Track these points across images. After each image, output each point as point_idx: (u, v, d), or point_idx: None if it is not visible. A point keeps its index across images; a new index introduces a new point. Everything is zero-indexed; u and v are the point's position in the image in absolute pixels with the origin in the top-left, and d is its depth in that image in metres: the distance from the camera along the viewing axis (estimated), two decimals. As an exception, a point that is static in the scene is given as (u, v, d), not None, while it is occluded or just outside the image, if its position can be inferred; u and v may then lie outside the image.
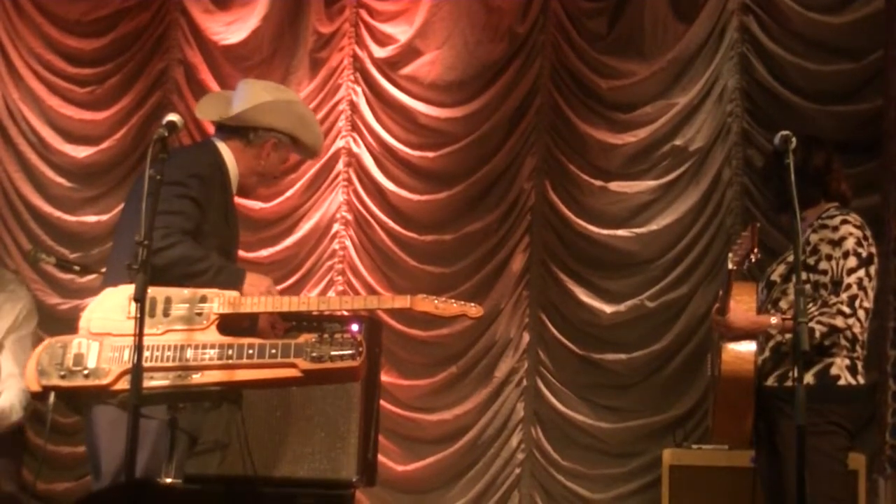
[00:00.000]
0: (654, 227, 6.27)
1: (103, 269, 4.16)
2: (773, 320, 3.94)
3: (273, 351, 3.47)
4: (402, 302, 3.70)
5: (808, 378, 3.90)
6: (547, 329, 6.40)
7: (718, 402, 4.09)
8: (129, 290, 3.42)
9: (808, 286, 3.93)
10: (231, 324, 3.60)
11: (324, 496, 4.70)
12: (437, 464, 6.41)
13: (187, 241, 3.68)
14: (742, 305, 4.01)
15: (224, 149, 4.03)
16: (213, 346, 3.48)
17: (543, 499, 6.27)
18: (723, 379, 4.01)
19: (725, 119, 6.24)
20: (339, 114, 6.76)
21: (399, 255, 6.56)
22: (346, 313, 4.89)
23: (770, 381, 4.01)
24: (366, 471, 4.81)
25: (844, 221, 4.04)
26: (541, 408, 6.36)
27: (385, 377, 5.99)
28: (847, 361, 3.96)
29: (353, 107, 6.76)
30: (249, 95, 4.04)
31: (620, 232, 6.31)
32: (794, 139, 3.66)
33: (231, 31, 6.85)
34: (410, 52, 6.67)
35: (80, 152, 6.87)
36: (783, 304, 4.03)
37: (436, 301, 3.67)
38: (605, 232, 6.33)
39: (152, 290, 3.39)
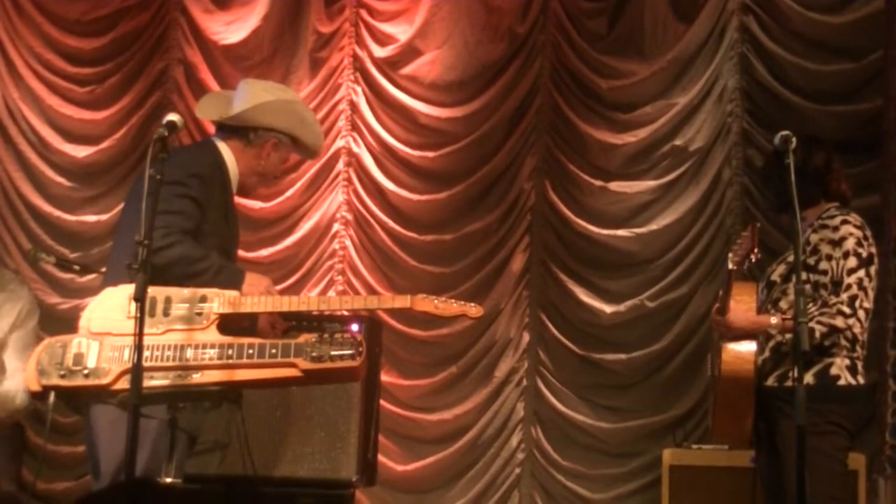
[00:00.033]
0: (654, 227, 6.27)
1: (103, 269, 4.16)
2: (774, 320, 3.94)
3: (273, 351, 3.47)
4: (403, 302, 3.69)
5: (808, 378, 3.90)
6: (547, 329, 6.40)
7: (718, 402, 4.09)
8: (129, 289, 3.42)
9: (808, 286, 3.93)
10: (231, 323, 3.60)
11: (324, 496, 4.69)
12: (437, 464, 6.41)
13: (187, 240, 3.68)
14: (742, 305, 4.01)
15: (224, 148, 4.03)
16: (213, 346, 3.48)
17: (543, 499, 6.27)
18: (723, 379, 4.01)
19: (725, 119, 6.24)
20: (339, 113, 6.76)
21: (399, 254, 6.56)
22: (346, 313, 4.89)
23: (770, 381, 4.01)
24: (366, 470, 4.81)
25: (845, 221, 4.04)
26: (541, 408, 6.36)
27: (385, 377, 5.99)
28: (847, 361, 3.95)
29: (354, 106, 6.76)
30: (250, 95, 4.04)
31: (620, 232, 6.31)
32: (794, 139, 3.66)
33: (231, 30, 6.85)
34: (410, 51, 6.67)
35: (80, 152, 6.88)
36: (783, 304, 4.03)
37: (436, 301, 3.67)
38: (605, 232, 6.33)
39: (152, 290, 3.39)
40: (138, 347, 3.25)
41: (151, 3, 6.93)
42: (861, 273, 3.95)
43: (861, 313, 3.93)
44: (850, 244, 3.98)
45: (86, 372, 3.45)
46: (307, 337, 3.48)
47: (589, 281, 6.36)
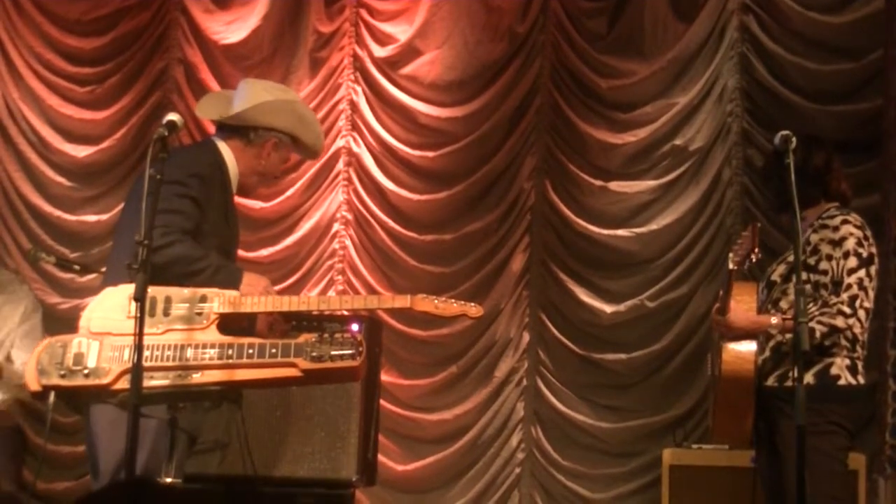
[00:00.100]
0: (654, 226, 6.27)
1: (103, 269, 4.16)
2: (774, 320, 3.93)
3: (273, 350, 3.47)
4: (403, 301, 3.69)
5: (809, 378, 3.90)
6: (547, 329, 6.40)
7: (719, 402, 4.09)
8: (129, 289, 3.42)
9: (808, 286, 3.93)
10: (231, 323, 3.60)
11: (324, 496, 4.70)
12: (437, 463, 6.41)
13: (186, 240, 3.68)
14: (742, 305, 4.01)
15: (224, 148, 4.02)
16: (213, 346, 3.48)
17: (543, 498, 6.27)
18: (723, 379, 4.01)
19: (725, 119, 6.24)
20: (340, 113, 6.76)
21: (399, 254, 6.56)
22: (346, 313, 4.89)
23: (770, 381, 4.01)
24: (366, 470, 4.81)
25: (845, 221, 4.03)
26: (541, 407, 6.36)
27: (385, 377, 5.99)
28: (847, 361, 3.95)
29: (354, 106, 6.76)
30: (250, 95, 4.04)
31: (620, 232, 6.31)
32: (794, 139, 3.66)
33: (231, 30, 6.85)
34: (410, 51, 6.67)
35: (80, 152, 6.88)
36: (783, 304, 4.03)
37: (436, 301, 3.66)
38: (606, 232, 6.33)
39: (152, 290, 3.38)
40: (138, 347, 3.25)
41: (151, 2, 6.93)
42: (861, 273, 3.95)
43: (861, 313, 3.93)
44: (850, 244, 3.98)
45: (86, 372, 3.45)
46: (307, 337, 3.48)
47: (589, 281, 6.36)
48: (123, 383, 3.40)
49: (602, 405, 6.27)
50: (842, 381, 3.93)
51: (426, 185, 6.61)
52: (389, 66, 6.71)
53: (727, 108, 6.24)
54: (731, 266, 3.97)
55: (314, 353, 3.45)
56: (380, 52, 6.73)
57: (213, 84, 6.74)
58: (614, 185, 6.36)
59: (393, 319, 6.25)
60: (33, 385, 3.49)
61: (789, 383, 3.88)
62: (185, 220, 3.71)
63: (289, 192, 6.71)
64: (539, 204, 6.49)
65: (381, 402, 5.28)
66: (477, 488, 6.33)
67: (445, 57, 6.62)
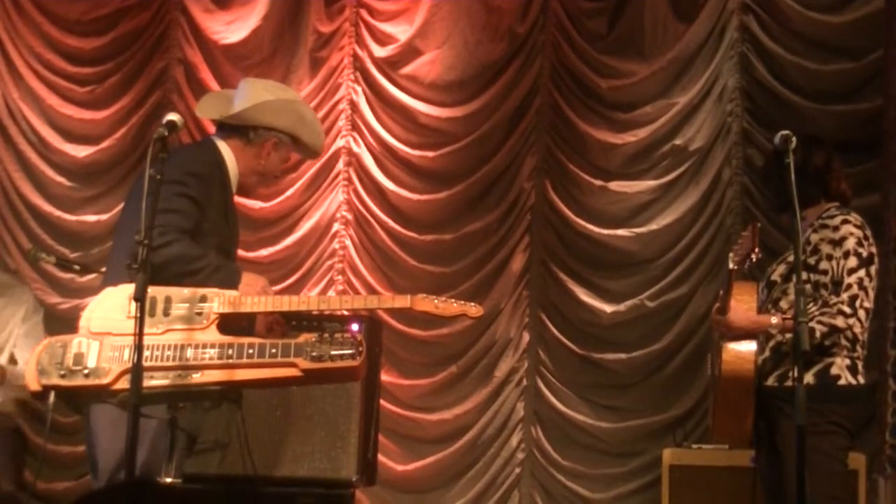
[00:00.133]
0: (654, 226, 6.27)
1: (103, 269, 4.16)
2: (774, 320, 3.93)
3: (273, 350, 3.47)
4: (403, 301, 3.69)
5: (809, 378, 3.90)
6: (547, 329, 6.40)
7: (718, 402, 4.09)
8: (129, 289, 3.42)
9: (808, 286, 3.93)
10: (231, 323, 3.60)
11: (324, 495, 4.70)
12: (437, 463, 6.41)
13: (184, 239, 3.67)
14: (742, 305, 4.01)
15: (224, 148, 4.02)
16: (213, 346, 3.48)
17: (543, 498, 6.27)
18: (723, 378, 4.01)
19: (725, 118, 6.24)
20: (340, 113, 6.77)
21: (399, 254, 6.56)
22: (346, 313, 4.89)
23: (770, 381, 4.00)
24: (366, 470, 4.81)
25: (845, 221, 4.03)
26: (541, 407, 6.36)
27: (385, 377, 5.99)
28: (847, 361, 3.95)
29: (354, 106, 6.76)
30: (250, 94, 4.03)
31: (620, 232, 6.31)
32: (794, 139, 3.65)
33: (231, 30, 6.85)
34: (410, 51, 6.67)
35: (80, 151, 6.88)
36: (784, 304, 4.03)
37: (436, 301, 3.66)
38: (605, 232, 6.33)
39: (152, 290, 3.38)
40: (138, 347, 3.25)
41: (151, 2, 6.93)
42: (861, 273, 3.95)
43: (861, 313, 3.93)
44: (850, 244, 3.98)
45: (86, 372, 3.45)
46: (307, 336, 3.48)
47: (589, 281, 6.36)
48: (123, 383, 3.40)
49: (602, 405, 6.27)
50: (842, 381, 3.93)
51: (426, 185, 6.61)
52: (389, 66, 6.71)
53: (727, 107, 6.24)
54: (731, 266, 3.97)
55: (314, 353, 3.45)
56: (380, 51, 6.73)
57: (213, 84, 6.74)
58: (614, 185, 6.36)
59: (393, 319, 6.25)
60: (33, 385, 3.49)
61: (789, 383, 3.88)
62: (184, 220, 3.71)
63: (289, 192, 6.71)
64: (539, 204, 6.49)
65: (381, 401, 5.28)
66: (477, 488, 6.33)
67: (445, 57, 6.62)
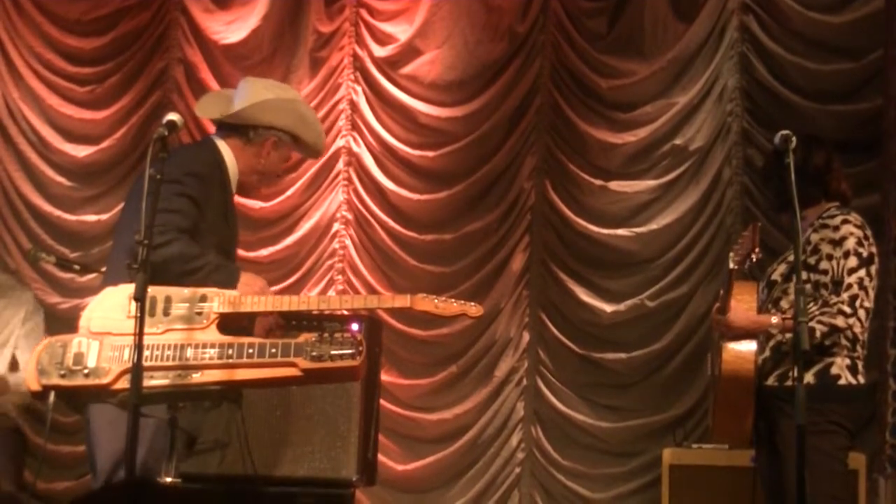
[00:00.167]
0: (654, 226, 6.27)
1: (103, 269, 4.16)
2: (774, 320, 3.93)
3: (273, 350, 3.46)
4: (402, 301, 3.68)
5: (809, 377, 3.90)
6: (547, 328, 6.40)
7: (719, 402, 4.09)
8: (129, 289, 3.41)
9: (808, 286, 3.93)
10: (231, 323, 3.60)
11: (324, 495, 4.69)
12: (437, 463, 6.41)
13: (182, 238, 3.67)
14: (743, 305, 4.01)
15: (224, 147, 4.01)
16: (213, 346, 3.48)
17: (543, 498, 6.27)
18: (723, 378, 4.01)
19: (725, 118, 6.24)
20: (340, 113, 6.77)
21: (399, 254, 6.56)
22: (346, 312, 4.89)
23: (770, 381, 4.01)
24: (366, 470, 4.81)
25: (845, 221, 4.03)
26: (541, 407, 6.36)
27: (385, 376, 5.99)
28: (847, 361, 3.95)
29: (354, 106, 6.77)
30: (250, 93, 4.03)
31: (620, 231, 6.31)
32: (794, 138, 3.65)
33: (231, 30, 6.85)
34: (410, 51, 6.67)
35: (80, 151, 6.88)
36: (784, 304, 4.03)
37: (436, 300, 3.66)
38: (605, 231, 6.33)
39: (152, 290, 3.38)
40: (138, 347, 3.25)
41: (151, 2, 6.93)
42: (861, 272, 3.95)
43: (861, 313, 3.93)
44: (850, 244, 3.98)
45: (86, 371, 3.45)
46: (307, 336, 3.47)
47: (589, 280, 6.36)
48: (123, 383, 3.40)
49: (602, 405, 6.27)
50: (842, 381, 3.93)
51: (426, 185, 6.61)
52: (389, 65, 6.71)
53: (727, 107, 6.24)
54: (731, 265, 3.97)
55: (314, 353, 3.44)
56: (380, 51, 6.73)
57: (213, 84, 6.74)
58: (614, 185, 6.36)
59: (393, 319, 6.25)
60: (33, 385, 3.49)
61: (789, 383, 3.88)
62: (183, 219, 3.70)
63: (289, 192, 6.71)
64: (539, 204, 6.49)
65: (381, 401, 5.27)
66: (477, 488, 6.33)
67: (445, 57, 6.62)
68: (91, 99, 6.92)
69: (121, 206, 4.25)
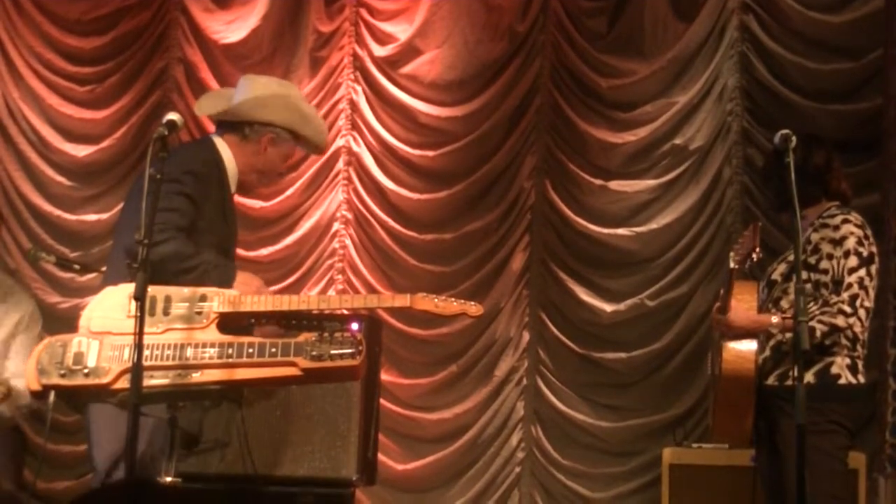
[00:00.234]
0: (654, 225, 6.27)
1: (103, 268, 4.15)
2: (774, 319, 3.93)
3: (273, 349, 3.47)
4: (402, 300, 3.69)
5: (809, 377, 3.90)
6: (547, 328, 6.40)
7: (719, 401, 4.09)
8: (129, 288, 3.41)
9: (808, 285, 3.93)
10: (231, 322, 3.60)
11: (324, 495, 4.68)
12: (437, 462, 6.41)
13: (179, 237, 3.66)
14: (743, 304, 4.01)
15: (222, 145, 4.00)
16: (212, 345, 3.48)
17: (543, 498, 6.27)
18: (723, 378, 4.01)
19: (725, 118, 6.24)
20: (340, 112, 6.77)
21: (399, 253, 6.56)
22: (346, 312, 4.88)
23: (770, 380, 4.01)
24: (366, 469, 4.80)
25: (845, 220, 4.03)
26: (541, 407, 6.36)
27: (385, 376, 5.98)
28: (847, 360, 3.95)
29: (354, 106, 6.76)
30: (247, 90, 4.03)
31: (620, 231, 6.31)
32: (794, 138, 3.66)
33: (231, 29, 6.85)
34: (410, 50, 6.67)
35: (80, 151, 6.88)
36: (784, 304, 4.03)
37: (436, 300, 3.66)
38: (605, 231, 6.33)
39: (152, 289, 3.38)
40: (138, 346, 3.25)
41: (151, 2, 6.93)
42: (862, 272, 3.95)
43: (862, 312, 3.93)
44: (850, 243, 3.98)
45: (86, 371, 3.45)
46: (307, 336, 3.47)
47: (589, 280, 6.36)
48: (123, 382, 3.40)
49: (602, 404, 6.26)
50: (842, 381, 3.93)
51: (426, 185, 6.61)
52: (389, 65, 6.71)
53: (727, 107, 6.24)
54: (731, 265, 3.97)
55: (314, 352, 3.45)
56: (380, 51, 6.73)
57: (213, 83, 6.74)
58: (614, 185, 6.36)
59: (393, 318, 6.25)
60: (33, 384, 3.49)
61: (790, 382, 3.88)
62: (180, 218, 3.70)
63: (289, 192, 6.71)
64: (539, 203, 6.49)
65: (381, 401, 5.26)
66: (477, 487, 6.33)
67: (445, 56, 6.62)
68: (91, 98, 6.92)
69: (121, 205, 4.25)
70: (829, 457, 3.86)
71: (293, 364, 3.46)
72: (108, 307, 3.54)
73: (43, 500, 6.30)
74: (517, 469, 6.34)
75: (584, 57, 6.47)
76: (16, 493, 5.24)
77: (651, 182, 6.31)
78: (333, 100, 6.76)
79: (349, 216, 6.71)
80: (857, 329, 3.92)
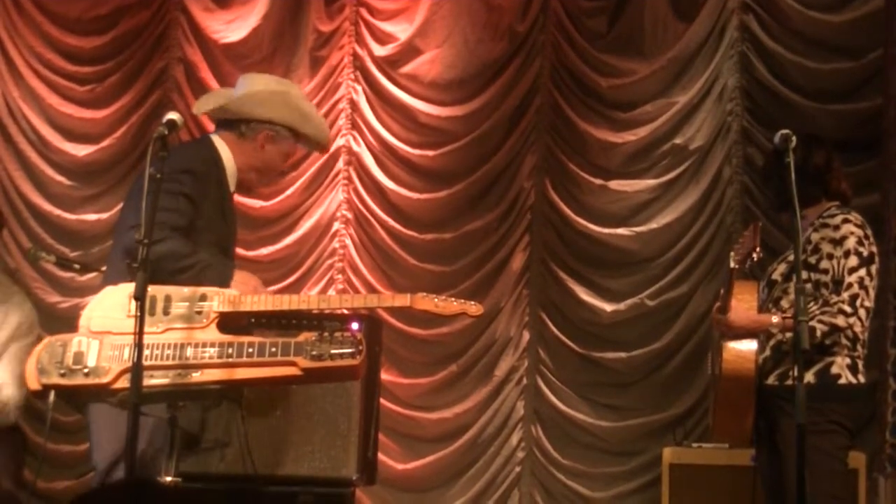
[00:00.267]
0: (654, 225, 6.27)
1: (103, 268, 4.15)
2: (775, 319, 3.93)
3: (273, 349, 3.47)
4: (402, 300, 3.69)
5: (809, 377, 3.90)
6: (547, 327, 6.40)
7: (719, 401, 4.09)
8: (129, 288, 3.42)
9: (808, 285, 3.93)
10: (231, 322, 3.60)
11: (324, 494, 4.68)
12: (437, 462, 6.41)
13: (175, 236, 3.66)
14: (743, 304, 4.01)
15: (220, 144, 3.99)
16: (212, 345, 3.48)
17: (543, 497, 6.27)
18: (723, 377, 4.01)
19: (725, 118, 6.24)
20: (340, 112, 6.76)
21: (399, 253, 6.56)
22: (346, 312, 4.88)
23: (771, 380, 4.01)
24: (366, 469, 4.80)
25: (846, 220, 4.03)
26: (541, 406, 6.36)
27: (385, 375, 5.98)
28: (848, 360, 3.95)
29: (354, 105, 6.76)
30: (245, 88, 4.02)
31: (620, 230, 6.31)
32: (794, 138, 3.66)
33: (231, 29, 6.85)
34: (410, 50, 6.67)
35: (80, 150, 6.88)
36: (784, 303, 4.03)
37: (436, 299, 3.66)
38: (605, 230, 6.33)
39: (152, 289, 3.38)
40: (138, 346, 3.25)
41: (151, 1, 6.93)
42: (862, 272, 3.95)
43: (862, 312, 3.93)
44: (850, 243, 3.98)
45: (86, 371, 3.45)
46: (307, 335, 3.47)
47: (589, 279, 6.36)
48: (123, 382, 3.40)
49: (602, 404, 6.26)
50: (842, 380, 3.93)
51: (426, 184, 6.61)
52: (389, 64, 6.71)
53: (727, 106, 6.24)
54: (732, 265, 3.97)
55: (314, 352, 3.45)
56: (380, 50, 6.73)
57: (213, 83, 6.74)
58: (614, 184, 6.36)
59: (393, 318, 6.24)
60: (33, 384, 3.49)
61: (790, 382, 3.88)
62: (178, 217, 3.70)
63: (289, 191, 6.71)
64: (539, 203, 6.49)
65: (382, 400, 5.26)
66: (477, 487, 6.33)
67: (445, 56, 6.62)
68: (91, 98, 6.92)
69: (121, 205, 4.24)
70: (829, 457, 3.87)
71: (293, 364, 3.46)
72: (108, 307, 3.54)
73: (43, 499, 6.30)
74: (517, 469, 6.34)
75: (584, 57, 6.47)
76: (16, 492, 5.23)
77: (651, 182, 6.31)
78: (333, 99, 6.76)
79: (349, 216, 6.71)
80: (858, 329, 3.92)
